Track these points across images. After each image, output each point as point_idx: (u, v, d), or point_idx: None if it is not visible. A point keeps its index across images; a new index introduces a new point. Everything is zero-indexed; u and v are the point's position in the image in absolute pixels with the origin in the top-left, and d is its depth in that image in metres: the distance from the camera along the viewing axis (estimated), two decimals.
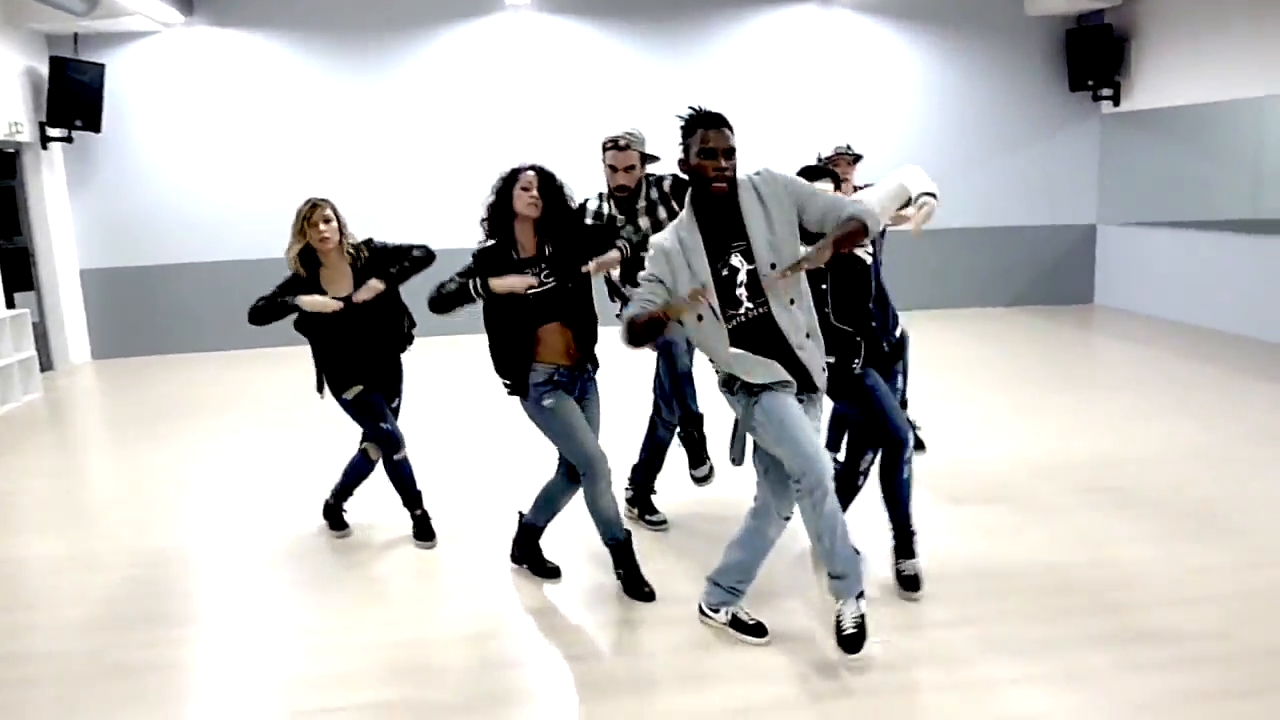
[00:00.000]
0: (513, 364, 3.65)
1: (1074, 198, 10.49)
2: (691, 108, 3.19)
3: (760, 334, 3.10)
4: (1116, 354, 8.52)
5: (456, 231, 9.36)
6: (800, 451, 3.05)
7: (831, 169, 3.91)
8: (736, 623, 3.43)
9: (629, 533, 3.83)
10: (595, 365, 3.82)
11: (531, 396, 3.66)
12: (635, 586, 3.77)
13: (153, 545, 4.60)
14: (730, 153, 3.08)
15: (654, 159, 4.24)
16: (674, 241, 3.14)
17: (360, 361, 4.28)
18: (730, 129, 3.11)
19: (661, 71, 9.82)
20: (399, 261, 4.25)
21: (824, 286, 3.56)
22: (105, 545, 4.65)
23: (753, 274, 3.08)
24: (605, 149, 4.17)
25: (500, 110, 9.69)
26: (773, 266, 3.07)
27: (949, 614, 3.55)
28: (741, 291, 3.08)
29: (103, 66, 8.98)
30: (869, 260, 3.70)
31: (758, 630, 3.39)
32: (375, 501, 4.69)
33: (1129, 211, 10.15)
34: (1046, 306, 10.36)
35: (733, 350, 3.11)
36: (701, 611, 3.50)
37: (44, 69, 8.74)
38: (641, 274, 3.20)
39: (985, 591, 3.71)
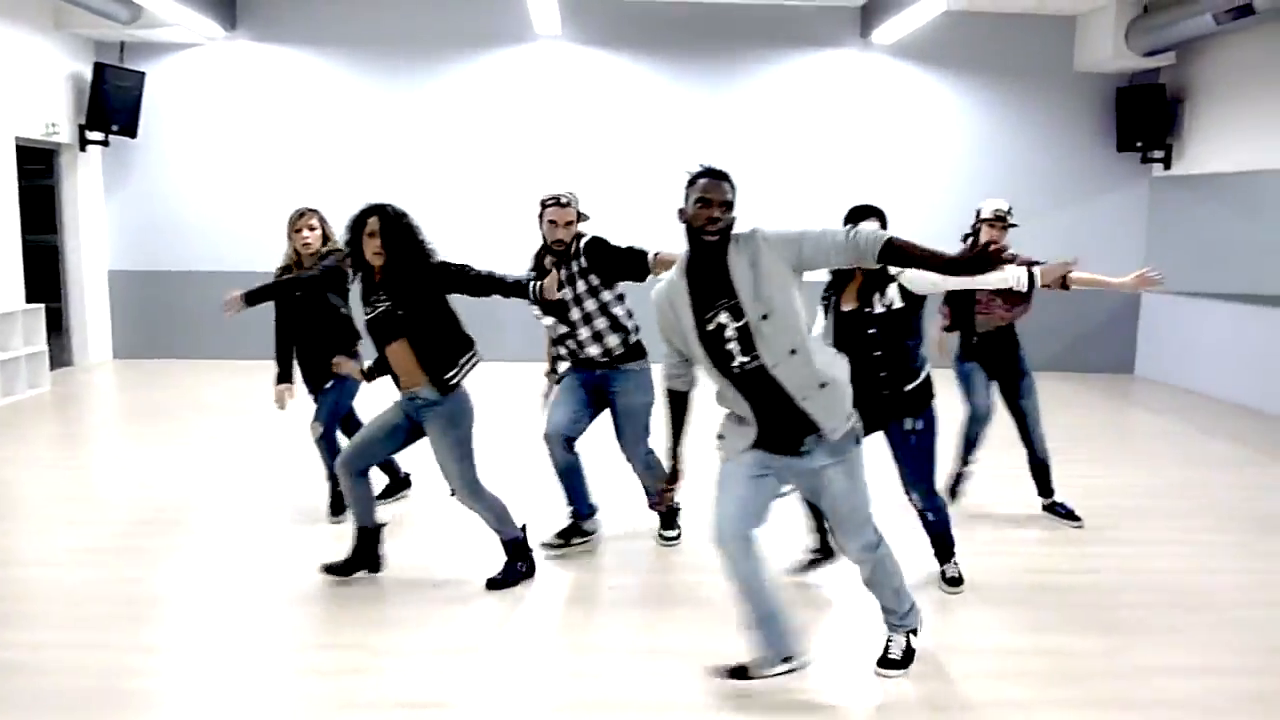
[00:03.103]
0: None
1: (1118, 262, 9.90)
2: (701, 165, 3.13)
3: (757, 385, 3.04)
4: (1137, 426, 8.05)
5: (482, 251, 9.39)
6: (716, 510, 3.13)
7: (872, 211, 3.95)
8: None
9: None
10: (442, 391, 3.89)
11: None
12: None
13: (78, 543, 4.55)
14: (726, 206, 2.99)
15: (585, 218, 4.40)
16: (665, 296, 3.12)
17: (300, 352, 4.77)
18: (730, 185, 3.01)
19: (693, 106, 9.74)
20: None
21: (872, 331, 3.80)
22: (31, 541, 4.61)
23: (743, 329, 3.00)
24: (545, 206, 4.33)
25: (529, 137, 9.69)
26: (764, 318, 2.97)
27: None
28: (733, 346, 3.03)
29: (143, 75, 9.22)
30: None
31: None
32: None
33: (1176, 280, 9.62)
34: (1083, 374, 9.89)
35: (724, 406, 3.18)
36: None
37: (88, 74, 8.99)
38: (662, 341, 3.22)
39: None
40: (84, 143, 9.19)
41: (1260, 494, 5.76)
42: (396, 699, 3.16)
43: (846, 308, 3.81)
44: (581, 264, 4.31)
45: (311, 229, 4.71)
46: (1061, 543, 4.81)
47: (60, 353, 9.17)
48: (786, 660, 3.17)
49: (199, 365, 9.38)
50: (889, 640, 3.41)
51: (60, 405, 7.91)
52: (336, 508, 4.85)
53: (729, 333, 3.01)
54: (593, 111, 9.72)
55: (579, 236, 4.35)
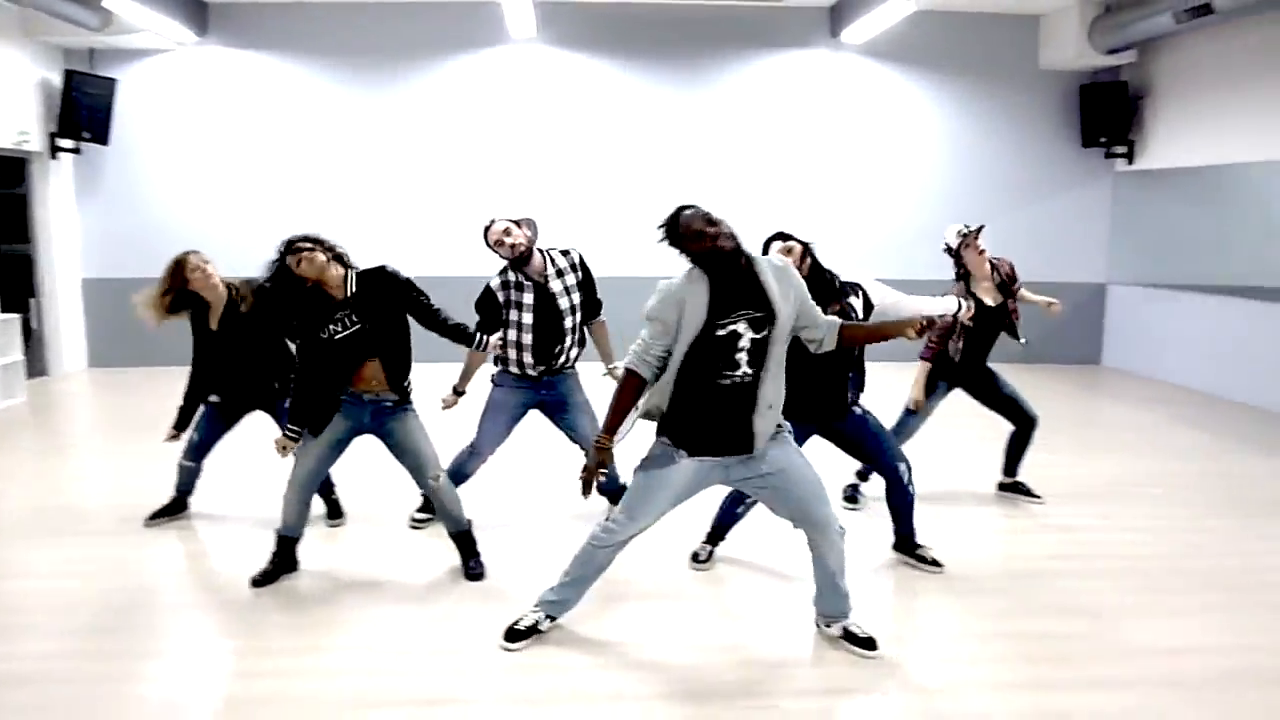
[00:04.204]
0: (325, 405, 4.05)
1: (1084, 256, 10.26)
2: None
3: (735, 400, 3.20)
4: (1104, 416, 8.26)
5: (455, 257, 9.43)
6: (632, 507, 3.38)
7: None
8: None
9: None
10: (404, 397, 4.12)
11: None
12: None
13: (63, 553, 4.57)
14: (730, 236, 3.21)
15: (528, 221, 4.59)
16: (680, 291, 3.19)
17: (225, 380, 4.74)
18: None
19: (667, 107, 9.84)
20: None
21: (856, 353, 4.14)
22: (16, 553, 4.63)
23: (758, 342, 3.16)
24: (484, 236, 4.52)
25: (505, 141, 9.74)
26: (779, 334, 3.21)
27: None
28: (742, 356, 3.16)
29: (114, 81, 9.17)
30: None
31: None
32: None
33: (1139, 272, 9.90)
34: (1051, 366, 10.09)
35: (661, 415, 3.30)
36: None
37: (58, 81, 8.93)
38: (647, 311, 3.25)
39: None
40: (55, 150, 9.12)
41: (1220, 480, 5.95)
42: (406, 697, 3.23)
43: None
44: (579, 276, 4.62)
45: (206, 262, 4.64)
46: (1035, 531, 4.97)
47: (35, 362, 9.09)
48: (553, 619, 3.63)
49: (174, 372, 9.24)
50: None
51: (37, 415, 7.86)
52: (334, 513, 4.95)
53: (743, 343, 3.13)
54: (568, 114, 9.78)
55: (546, 252, 4.57)
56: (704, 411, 3.22)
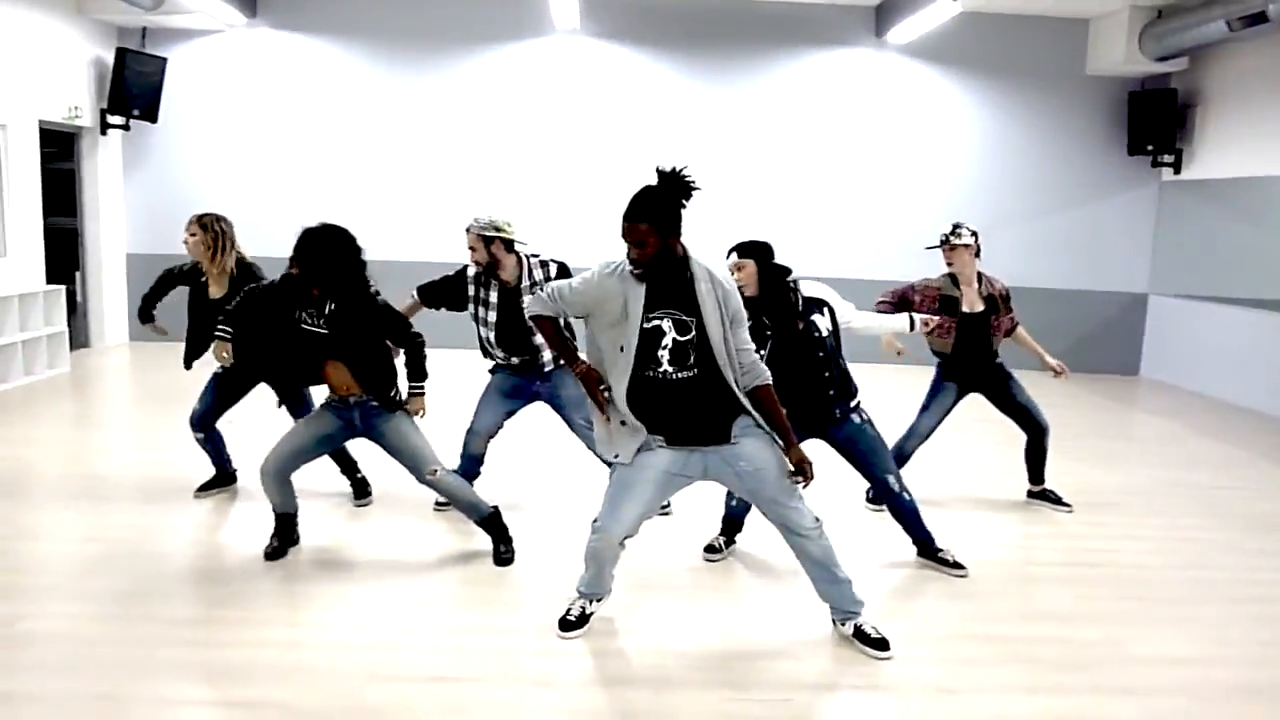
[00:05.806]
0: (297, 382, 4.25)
1: (1126, 264, 10.11)
2: (660, 171, 3.19)
3: (673, 395, 3.21)
4: (1138, 426, 8.14)
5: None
6: (614, 499, 3.35)
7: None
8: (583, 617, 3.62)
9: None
10: (386, 402, 4.07)
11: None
12: None
13: (98, 519, 4.67)
14: (641, 243, 3.12)
15: (507, 240, 4.60)
16: (617, 277, 3.22)
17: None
18: (645, 221, 3.10)
19: (708, 102, 9.83)
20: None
21: (822, 354, 4.04)
22: (54, 517, 4.74)
23: (680, 344, 3.18)
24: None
25: (545, 130, 9.78)
26: (724, 338, 3.21)
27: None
28: (663, 354, 3.19)
29: (165, 60, 9.33)
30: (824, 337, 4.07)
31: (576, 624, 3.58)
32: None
33: (1182, 283, 9.73)
34: (1089, 375, 9.94)
35: (622, 407, 3.26)
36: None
37: (110, 58, 9.10)
38: (572, 281, 3.37)
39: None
40: (105, 127, 9.31)
41: (1253, 494, 5.86)
42: (417, 673, 3.28)
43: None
44: (535, 278, 4.65)
45: (191, 235, 4.89)
46: (1058, 537, 4.93)
47: (78, 334, 9.30)
48: (600, 599, 3.62)
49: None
50: None
51: (79, 385, 8.04)
52: (359, 492, 5.02)
53: (666, 340, 3.17)
54: (609, 106, 9.81)
55: (533, 259, 4.68)
56: (651, 403, 3.23)
